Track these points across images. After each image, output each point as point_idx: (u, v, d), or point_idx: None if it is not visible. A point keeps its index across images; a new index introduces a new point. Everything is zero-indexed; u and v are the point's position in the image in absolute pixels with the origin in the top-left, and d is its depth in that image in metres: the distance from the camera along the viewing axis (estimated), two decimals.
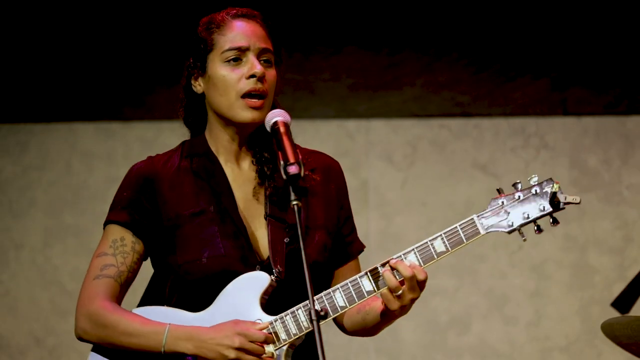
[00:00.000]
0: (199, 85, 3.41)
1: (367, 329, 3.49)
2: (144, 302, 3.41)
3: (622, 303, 4.79)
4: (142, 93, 6.72)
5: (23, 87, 6.71)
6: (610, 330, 3.78)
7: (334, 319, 3.44)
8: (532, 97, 6.65)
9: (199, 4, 6.36)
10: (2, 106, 6.73)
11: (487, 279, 6.59)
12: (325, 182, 3.48)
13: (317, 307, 3.18)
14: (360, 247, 3.56)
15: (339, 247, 3.49)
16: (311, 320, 3.03)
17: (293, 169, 3.10)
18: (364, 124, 6.72)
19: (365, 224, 6.62)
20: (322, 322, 3.20)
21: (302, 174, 3.10)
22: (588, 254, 6.58)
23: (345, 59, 6.70)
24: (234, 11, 3.39)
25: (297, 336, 3.26)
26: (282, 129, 3.22)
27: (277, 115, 3.26)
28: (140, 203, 3.35)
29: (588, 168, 6.59)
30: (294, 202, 3.08)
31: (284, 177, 3.11)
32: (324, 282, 3.45)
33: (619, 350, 3.92)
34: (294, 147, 3.16)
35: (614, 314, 4.69)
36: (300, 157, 3.14)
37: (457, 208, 6.64)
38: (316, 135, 6.67)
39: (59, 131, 6.76)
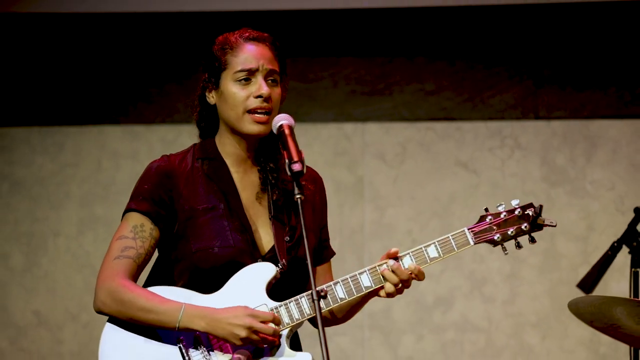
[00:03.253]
0: (212, 98, 3.43)
1: (350, 309, 3.48)
2: (150, 282, 3.40)
3: (586, 284, 4.80)
4: (164, 100, 6.73)
5: (60, 94, 6.73)
6: (576, 309, 3.77)
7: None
8: (507, 103, 6.65)
9: (215, 19, 6.40)
10: (42, 111, 6.75)
11: (469, 263, 6.59)
12: (314, 193, 3.51)
13: (321, 290, 3.24)
14: (333, 253, 3.59)
15: (318, 250, 3.52)
16: (313, 300, 3.10)
17: (297, 167, 3.15)
18: (360, 126, 6.71)
19: (361, 215, 6.62)
20: (323, 309, 3.25)
21: (304, 171, 3.15)
22: (556, 241, 6.58)
23: (343, 68, 6.71)
24: (247, 34, 3.40)
25: (299, 321, 3.29)
26: (287, 131, 3.25)
27: (282, 119, 3.29)
28: (159, 195, 3.36)
29: (556, 166, 6.59)
30: (298, 196, 3.13)
31: (289, 173, 3.15)
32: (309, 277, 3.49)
33: (583, 325, 3.93)
34: (298, 147, 3.20)
35: (579, 294, 4.70)
36: (302, 156, 3.19)
37: (442, 201, 6.64)
38: (317, 137, 6.67)
39: (90, 133, 6.76)
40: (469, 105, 6.66)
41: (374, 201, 6.65)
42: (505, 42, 6.58)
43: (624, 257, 4.80)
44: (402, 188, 6.66)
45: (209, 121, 3.47)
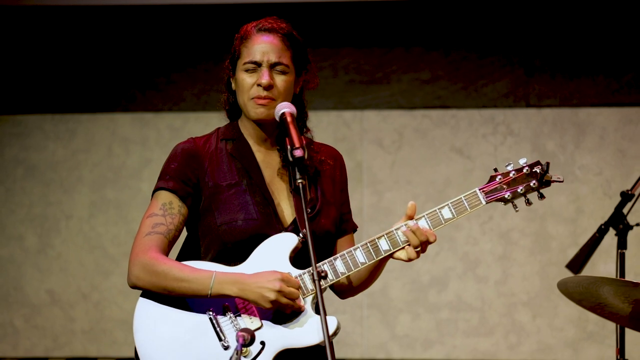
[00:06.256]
0: (233, 84, 3.45)
1: (369, 277, 3.49)
2: (180, 259, 3.40)
3: (574, 265, 4.79)
4: (171, 89, 6.73)
5: (72, 83, 6.74)
6: (565, 288, 3.78)
7: (334, 287, 3.49)
8: (500, 91, 6.65)
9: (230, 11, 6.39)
10: (55, 100, 6.75)
11: (462, 244, 6.59)
12: (334, 168, 3.52)
13: (320, 269, 3.25)
14: (355, 226, 3.59)
15: (339, 223, 3.52)
16: (314, 280, 3.11)
17: (298, 153, 3.17)
18: (359, 114, 6.71)
19: (360, 199, 6.63)
20: (324, 285, 3.26)
21: (305, 156, 3.16)
22: (547, 224, 6.58)
23: (343, 58, 6.70)
24: (261, 25, 3.42)
25: (322, 287, 3.28)
26: (288, 119, 3.28)
27: (284, 107, 3.32)
28: (186, 174, 3.36)
29: (547, 151, 6.59)
30: (299, 181, 3.17)
31: (290, 159, 3.16)
32: (331, 248, 3.50)
33: (572, 304, 3.94)
34: (299, 134, 3.22)
35: (568, 274, 4.69)
36: (304, 142, 3.19)
37: (438, 185, 6.64)
38: (318, 124, 6.66)
39: (101, 120, 6.77)
40: (463, 94, 6.66)
41: (372, 185, 6.66)
42: (498, 33, 6.58)
43: (610, 239, 4.80)
44: (399, 173, 6.67)
45: (233, 105, 3.49)
